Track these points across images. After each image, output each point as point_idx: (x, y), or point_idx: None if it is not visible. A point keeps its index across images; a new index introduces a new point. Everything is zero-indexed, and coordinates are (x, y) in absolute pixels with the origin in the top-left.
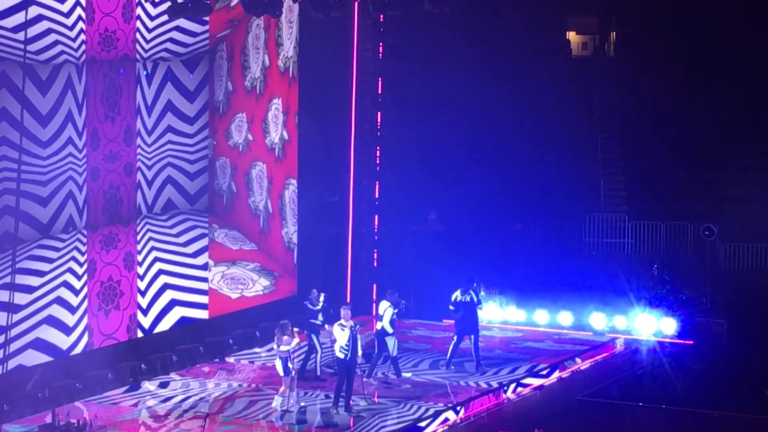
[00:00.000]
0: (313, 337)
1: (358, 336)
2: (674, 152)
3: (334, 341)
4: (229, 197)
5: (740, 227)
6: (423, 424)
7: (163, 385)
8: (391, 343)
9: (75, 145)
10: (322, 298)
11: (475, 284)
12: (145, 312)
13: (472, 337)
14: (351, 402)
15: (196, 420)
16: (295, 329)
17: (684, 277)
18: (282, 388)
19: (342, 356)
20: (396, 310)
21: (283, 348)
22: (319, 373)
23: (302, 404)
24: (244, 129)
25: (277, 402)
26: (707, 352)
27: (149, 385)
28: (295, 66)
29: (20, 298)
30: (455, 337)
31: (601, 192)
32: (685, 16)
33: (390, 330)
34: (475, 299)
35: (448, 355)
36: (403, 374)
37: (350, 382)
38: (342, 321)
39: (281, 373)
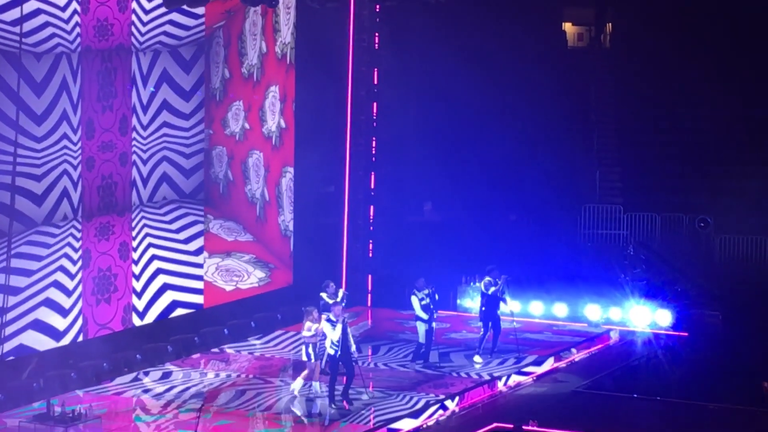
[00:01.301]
0: None
1: (349, 329)
2: (670, 144)
3: (324, 337)
4: (225, 185)
5: (736, 219)
6: (420, 417)
7: (158, 375)
8: (420, 329)
9: (70, 135)
10: (341, 294)
11: (489, 274)
12: (139, 302)
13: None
14: (350, 393)
15: (191, 410)
16: (324, 315)
17: (661, 258)
18: (304, 372)
19: (333, 352)
20: (422, 294)
21: (305, 334)
22: (323, 366)
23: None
24: (241, 117)
25: (296, 385)
26: (702, 343)
27: (144, 375)
28: (292, 52)
29: (14, 288)
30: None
31: (596, 183)
32: (681, 6)
33: (423, 315)
34: (483, 289)
35: (495, 346)
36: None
37: (350, 374)
38: (331, 316)
39: (304, 358)
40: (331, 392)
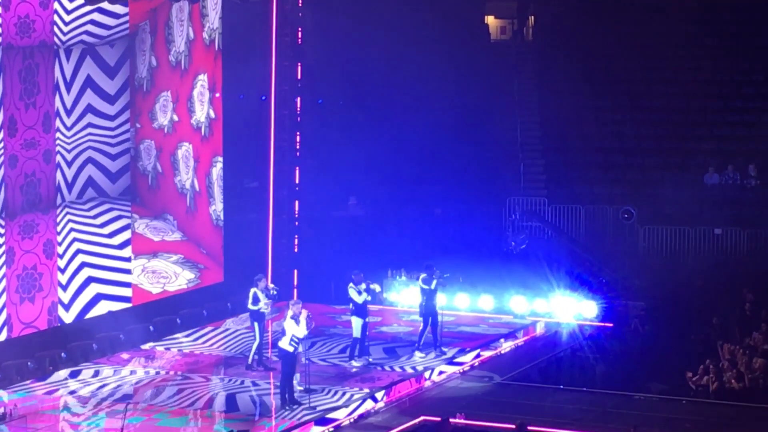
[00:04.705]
0: (256, 325)
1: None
2: (592, 136)
3: (283, 334)
4: (154, 177)
5: (659, 210)
6: (344, 410)
7: (84, 373)
8: (356, 323)
9: None
10: (272, 287)
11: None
12: (65, 300)
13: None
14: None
15: (116, 408)
16: (290, 312)
17: (553, 227)
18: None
19: (291, 349)
20: (360, 288)
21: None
22: (250, 362)
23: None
24: (169, 109)
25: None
26: (627, 334)
27: (65, 374)
28: (220, 38)
29: None
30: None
31: (520, 176)
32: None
33: (360, 300)
34: (422, 284)
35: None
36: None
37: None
38: (292, 313)
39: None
40: (284, 394)
